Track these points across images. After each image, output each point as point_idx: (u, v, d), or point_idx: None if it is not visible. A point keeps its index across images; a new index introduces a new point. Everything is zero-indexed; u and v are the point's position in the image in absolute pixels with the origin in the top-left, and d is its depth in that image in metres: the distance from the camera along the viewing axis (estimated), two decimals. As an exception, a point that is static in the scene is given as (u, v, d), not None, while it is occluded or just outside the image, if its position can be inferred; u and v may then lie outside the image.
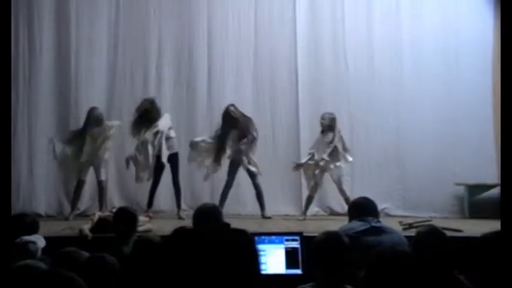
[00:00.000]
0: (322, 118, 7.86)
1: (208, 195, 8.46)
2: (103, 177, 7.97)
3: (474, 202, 8.18)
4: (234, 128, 7.86)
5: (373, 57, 9.03)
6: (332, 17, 9.13)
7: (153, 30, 9.06)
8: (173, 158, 7.86)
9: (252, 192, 7.95)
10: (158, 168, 7.80)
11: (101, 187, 7.94)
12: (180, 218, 7.64)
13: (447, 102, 8.75)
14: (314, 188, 7.85)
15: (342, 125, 8.10)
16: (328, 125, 7.79)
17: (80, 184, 7.95)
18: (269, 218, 7.70)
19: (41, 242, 3.98)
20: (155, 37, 9.06)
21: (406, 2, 9.13)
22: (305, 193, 8.27)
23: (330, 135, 7.75)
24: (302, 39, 9.06)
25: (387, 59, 9.02)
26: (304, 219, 7.71)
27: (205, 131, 8.41)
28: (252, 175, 7.85)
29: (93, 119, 7.88)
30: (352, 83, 8.98)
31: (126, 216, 4.58)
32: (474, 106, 8.66)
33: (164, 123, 7.86)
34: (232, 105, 7.99)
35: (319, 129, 7.92)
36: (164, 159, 7.75)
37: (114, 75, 8.99)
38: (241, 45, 9.12)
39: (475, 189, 8.22)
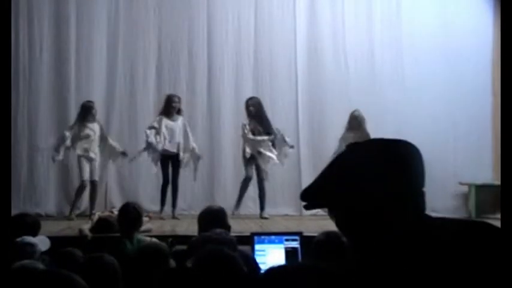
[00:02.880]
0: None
1: (208, 195, 8.46)
2: (96, 177, 7.94)
3: (481, 202, 8.22)
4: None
5: (373, 57, 9.04)
6: (332, 16, 9.13)
7: (153, 30, 9.06)
8: (175, 158, 7.86)
9: (252, 192, 7.94)
10: (166, 166, 7.78)
11: (93, 187, 7.92)
12: (174, 217, 7.58)
13: (447, 102, 8.76)
14: None
15: (341, 125, 8.09)
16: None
17: (84, 185, 7.87)
18: (266, 218, 7.67)
19: (44, 244, 3.96)
20: (155, 37, 9.06)
21: (406, 2, 9.13)
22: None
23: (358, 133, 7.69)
24: (302, 39, 9.06)
25: (387, 59, 9.03)
26: None
27: (205, 131, 8.40)
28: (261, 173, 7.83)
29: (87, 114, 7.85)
30: (352, 83, 8.98)
31: (131, 213, 4.44)
32: (474, 106, 8.69)
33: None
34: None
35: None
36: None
37: (114, 75, 8.98)
38: (241, 45, 9.11)
39: (482, 189, 8.28)
